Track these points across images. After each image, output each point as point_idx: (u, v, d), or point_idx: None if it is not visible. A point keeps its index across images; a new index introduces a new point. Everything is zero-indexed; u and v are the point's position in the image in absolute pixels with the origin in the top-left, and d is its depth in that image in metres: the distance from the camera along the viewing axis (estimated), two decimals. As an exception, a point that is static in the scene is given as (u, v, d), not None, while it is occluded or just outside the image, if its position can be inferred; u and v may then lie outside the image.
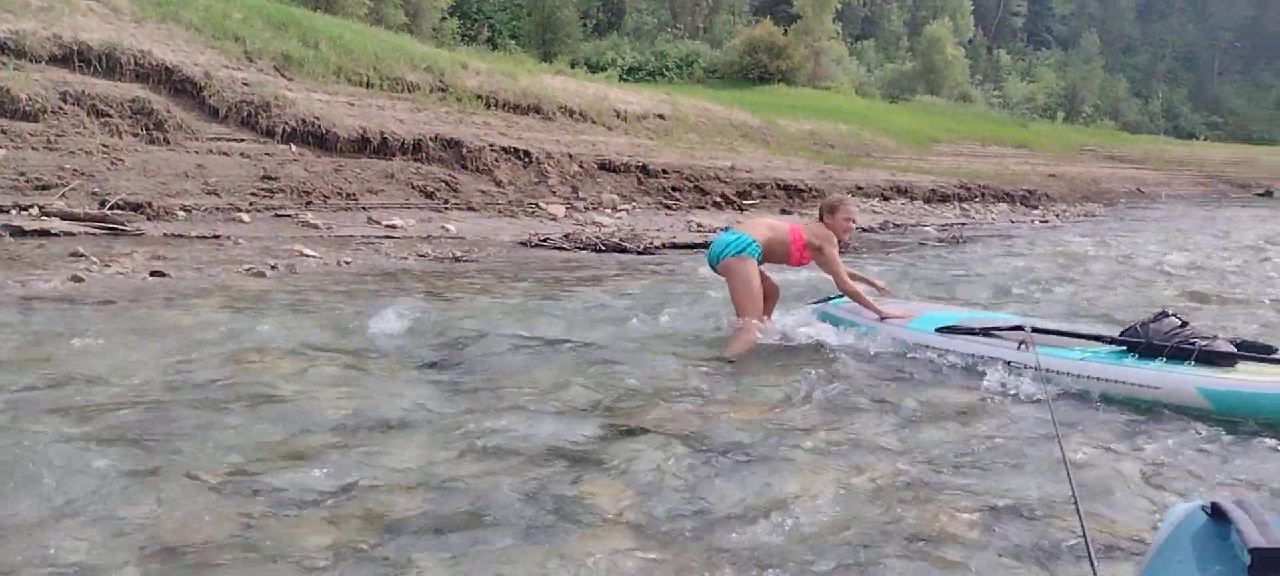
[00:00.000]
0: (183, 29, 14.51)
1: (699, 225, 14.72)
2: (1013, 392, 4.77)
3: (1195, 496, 3.17)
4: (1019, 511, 3.25)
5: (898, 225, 17.48)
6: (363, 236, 11.02)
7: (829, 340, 5.83)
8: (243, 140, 13.09)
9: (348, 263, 9.04)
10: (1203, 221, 22.62)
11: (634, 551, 2.84)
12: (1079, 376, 4.80)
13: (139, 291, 6.97)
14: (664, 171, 18.26)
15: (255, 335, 5.60)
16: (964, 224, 18.78)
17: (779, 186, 19.74)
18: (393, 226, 11.76)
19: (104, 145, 11.50)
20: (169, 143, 12.24)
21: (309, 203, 12.10)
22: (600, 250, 11.33)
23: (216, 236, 10.09)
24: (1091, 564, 1.45)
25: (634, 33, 51.99)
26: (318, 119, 13.95)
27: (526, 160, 16.06)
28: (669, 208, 16.67)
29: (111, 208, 10.22)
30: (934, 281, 9.76)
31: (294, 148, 13.42)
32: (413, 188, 13.68)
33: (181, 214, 10.72)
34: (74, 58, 12.35)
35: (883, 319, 5.82)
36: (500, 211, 14.02)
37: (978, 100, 58.78)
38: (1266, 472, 3.77)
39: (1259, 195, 41.11)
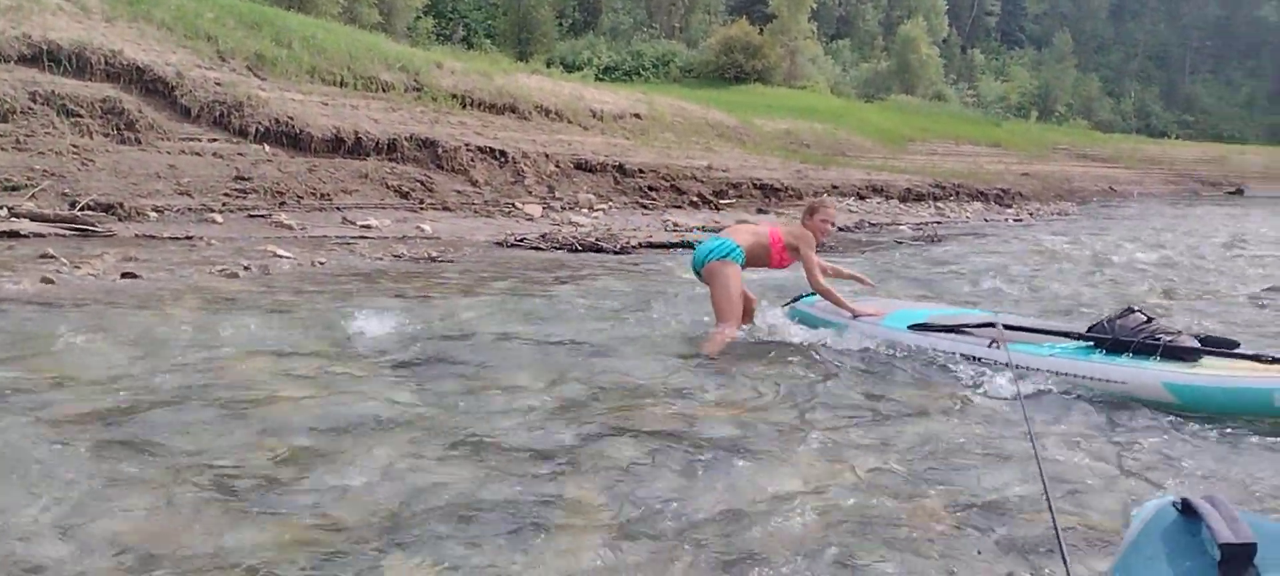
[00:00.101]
0: (154, 28, 14.36)
1: (675, 225, 14.73)
2: (985, 388, 4.81)
3: (1166, 492, 3.21)
4: (992, 507, 3.28)
5: (873, 224, 17.57)
6: (337, 237, 10.95)
7: (803, 338, 5.88)
8: (215, 140, 12.98)
9: (322, 263, 8.98)
10: (1174, 220, 22.87)
11: (612, 550, 2.84)
12: (1048, 371, 4.88)
13: (110, 293, 6.89)
14: (640, 171, 18.26)
15: (229, 337, 5.55)
16: (939, 223, 18.89)
17: (755, 186, 19.80)
18: (368, 227, 11.70)
19: (74, 145, 11.37)
20: (140, 143, 12.12)
21: (282, 203, 12.02)
22: (577, 250, 11.31)
23: (189, 237, 10.00)
24: (1064, 559, 1.46)
25: (610, 32, 51.96)
26: (291, 119, 13.85)
27: (502, 160, 16.02)
28: (645, 207, 16.67)
29: (82, 208, 10.11)
30: (910, 280, 9.81)
31: (267, 148, 13.32)
32: (388, 188, 13.61)
33: (153, 215, 10.62)
34: (44, 57, 12.20)
35: (856, 317, 5.87)
36: (476, 211, 13.97)
37: (952, 99, 59.10)
38: (1236, 467, 3.81)
39: (1229, 193, 41.65)
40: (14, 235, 8.90)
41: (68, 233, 9.41)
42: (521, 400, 4.42)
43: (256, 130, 13.40)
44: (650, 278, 9.20)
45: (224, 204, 11.46)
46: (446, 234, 11.96)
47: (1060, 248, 13.84)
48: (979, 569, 2.82)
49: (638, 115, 23.36)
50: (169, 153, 12.22)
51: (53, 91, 11.77)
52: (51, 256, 7.98)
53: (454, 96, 18.05)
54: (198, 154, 12.50)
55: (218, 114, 13.26)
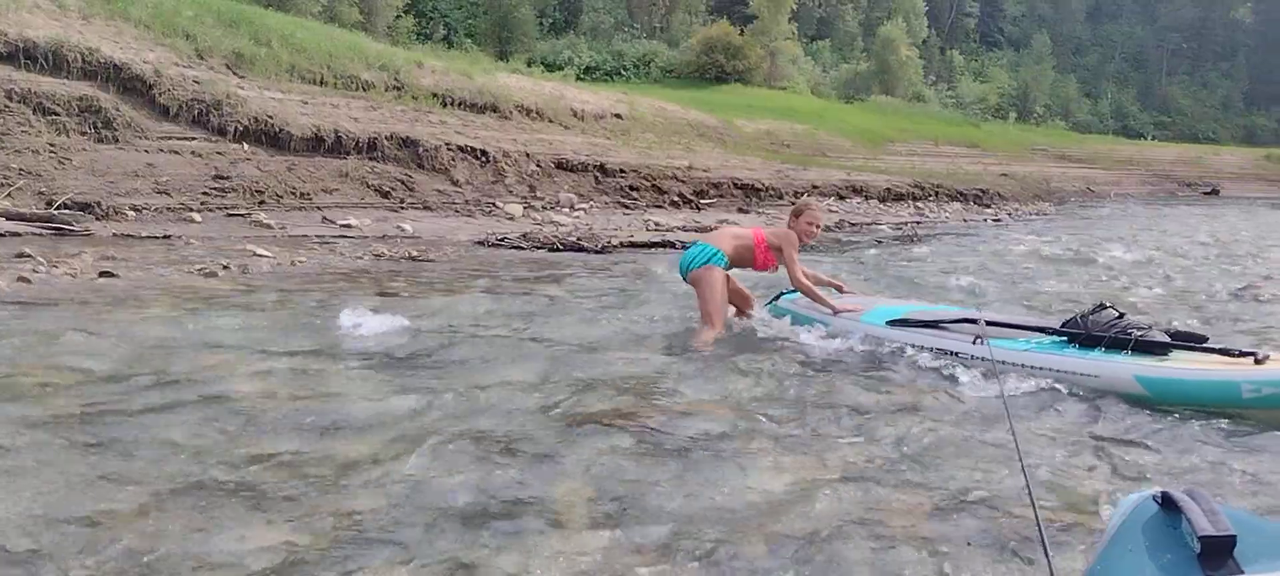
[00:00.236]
0: (131, 26, 14.24)
1: (656, 224, 14.73)
2: (965, 383, 4.87)
3: (1147, 485, 3.23)
4: (974, 501, 3.29)
5: (854, 224, 17.64)
6: (317, 236, 10.90)
7: (784, 334, 6.03)
8: (194, 139, 12.89)
9: (302, 262, 8.93)
10: (1151, 219, 23.07)
11: (594, 547, 2.84)
12: (1025, 366, 4.95)
13: (88, 292, 6.83)
14: (621, 171, 18.26)
15: (208, 336, 5.51)
16: (918, 223, 18.98)
17: (736, 186, 19.84)
18: (348, 226, 11.65)
19: (51, 144, 11.26)
20: (118, 141, 12.02)
21: (262, 202, 11.95)
22: (558, 249, 11.30)
23: (167, 236, 9.93)
24: (1046, 552, 1.47)
25: (591, 32, 51.95)
26: (270, 117, 13.77)
27: (483, 159, 15.98)
28: (626, 207, 16.68)
29: (59, 207, 10.02)
30: (890, 278, 9.87)
31: (246, 146, 13.24)
32: (368, 187, 13.55)
33: (131, 213, 10.54)
34: (20, 55, 12.07)
35: (836, 313, 5.97)
36: (457, 211, 13.94)
37: (931, 100, 59.40)
38: (1215, 460, 3.84)
39: (1205, 194, 42.05)
40: (-11, 234, 8.82)
41: (45, 232, 9.33)
42: (504, 398, 4.41)
43: (235, 129, 13.31)
44: (632, 276, 9.20)
45: (203, 203, 11.39)
46: (427, 233, 11.93)
47: (1039, 247, 13.93)
48: (962, 561, 2.83)
49: (619, 115, 23.38)
50: (147, 151, 12.12)
51: (29, 89, 11.65)
52: (28, 256, 7.90)
53: (434, 95, 18.00)
54: (176, 153, 12.40)
55: (196, 112, 13.16)
